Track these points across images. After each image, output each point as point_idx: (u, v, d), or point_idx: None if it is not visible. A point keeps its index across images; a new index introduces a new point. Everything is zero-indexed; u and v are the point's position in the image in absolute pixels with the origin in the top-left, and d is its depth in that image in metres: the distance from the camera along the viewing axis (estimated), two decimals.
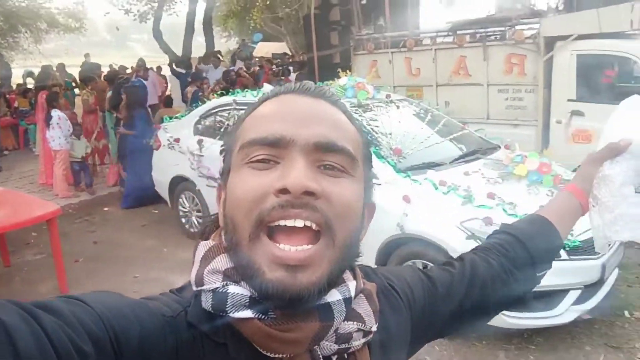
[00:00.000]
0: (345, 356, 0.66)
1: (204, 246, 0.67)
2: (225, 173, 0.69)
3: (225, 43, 24.37)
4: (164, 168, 5.84)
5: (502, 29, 6.41)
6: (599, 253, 3.18)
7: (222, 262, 0.63)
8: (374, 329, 0.69)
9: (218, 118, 5.35)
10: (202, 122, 5.53)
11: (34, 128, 9.62)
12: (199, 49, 17.73)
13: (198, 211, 5.54)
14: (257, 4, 20.18)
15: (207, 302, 0.62)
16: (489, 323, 3.27)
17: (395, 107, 4.67)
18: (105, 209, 6.87)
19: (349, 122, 0.69)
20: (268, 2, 19.77)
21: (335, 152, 0.63)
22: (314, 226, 0.59)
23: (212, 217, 0.74)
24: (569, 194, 1.02)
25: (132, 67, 11.54)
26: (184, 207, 5.70)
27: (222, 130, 5.23)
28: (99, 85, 8.98)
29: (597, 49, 5.42)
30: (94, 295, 0.59)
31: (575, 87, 5.47)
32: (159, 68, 13.40)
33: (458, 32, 6.88)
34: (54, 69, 12.52)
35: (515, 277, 0.91)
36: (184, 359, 0.61)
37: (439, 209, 3.42)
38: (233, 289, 0.61)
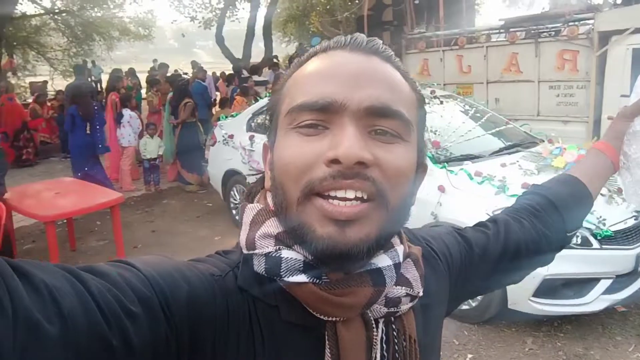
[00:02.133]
0: (392, 319, 0.66)
1: (251, 209, 0.66)
2: (272, 133, 0.67)
3: (286, 48, 24.87)
4: (218, 163, 6.15)
5: (556, 25, 6.31)
6: (635, 244, 3.14)
7: (272, 225, 0.63)
8: (421, 294, 0.68)
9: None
10: (254, 120, 5.80)
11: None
12: (259, 54, 18.22)
13: None
14: (318, 8, 20.51)
15: (259, 266, 0.62)
16: (519, 310, 3.27)
17: (438, 103, 4.76)
18: (164, 201, 7.32)
19: (404, 80, 0.66)
20: (328, 7, 20.07)
21: (388, 117, 0.60)
22: (365, 196, 0.57)
23: (257, 176, 0.74)
24: (599, 151, 0.99)
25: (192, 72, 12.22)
26: (234, 200, 5.99)
27: None
28: (163, 87, 9.57)
29: None
30: (142, 259, 0.59)
31: (630, 82, 5.30)
32: (223, 74, 13.97)
33: (511, 29, 6.83)
34: (124, 73, 13.38)
35: (547, 237, 0.91)
36: (235, 320, 0.61)
37: (472, 198, 3.48)
38: (286, 253, 0.60)
